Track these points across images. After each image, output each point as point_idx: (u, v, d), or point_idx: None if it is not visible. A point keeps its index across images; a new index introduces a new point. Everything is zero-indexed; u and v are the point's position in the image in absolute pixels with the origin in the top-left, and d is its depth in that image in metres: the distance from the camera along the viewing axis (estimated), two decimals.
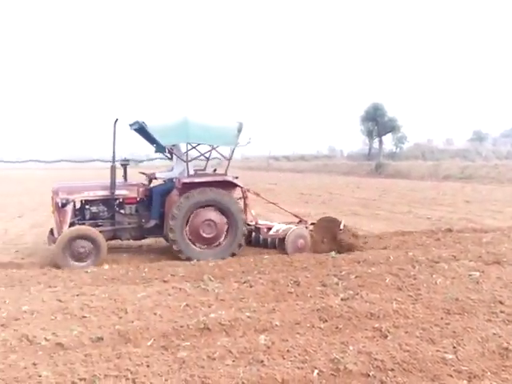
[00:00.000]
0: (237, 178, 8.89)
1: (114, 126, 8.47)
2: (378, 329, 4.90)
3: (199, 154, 9.41)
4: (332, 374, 3.97)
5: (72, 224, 8.42)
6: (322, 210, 15.38)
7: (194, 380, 3.83)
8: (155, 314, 5.37)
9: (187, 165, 8.68)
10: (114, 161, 8.66)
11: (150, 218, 8.75)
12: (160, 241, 9.65)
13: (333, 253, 8.32)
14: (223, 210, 8.57)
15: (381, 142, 57.28)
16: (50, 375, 3.94)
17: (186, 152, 8.73)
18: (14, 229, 11.81)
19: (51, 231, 8.75)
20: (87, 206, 8.79)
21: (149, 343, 4.66)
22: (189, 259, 8.17)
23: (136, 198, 8.90)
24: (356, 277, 6.74)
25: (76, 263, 7.90)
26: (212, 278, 6.85)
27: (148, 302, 5.78)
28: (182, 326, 4.95)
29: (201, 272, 7.24)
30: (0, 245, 9.46)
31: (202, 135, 8.74)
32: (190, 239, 8.43)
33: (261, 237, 9.29)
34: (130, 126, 8.94)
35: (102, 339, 4.68)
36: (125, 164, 9.11)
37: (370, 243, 9.40)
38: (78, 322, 5.16)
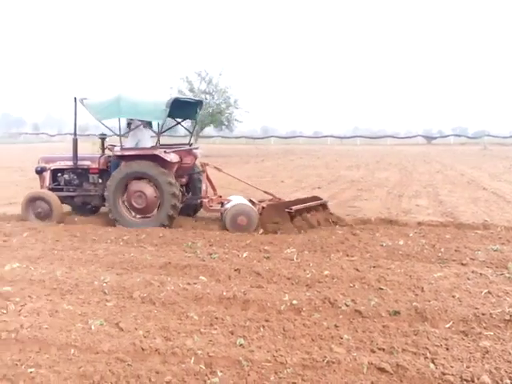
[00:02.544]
0: (165, 152, 8.85)
1: (75, 104, 9.36)
2: None
3: (131, 129, 9.67)
4: None
5: (50, 189, 9.74)
6: None
7: (500, 374, 3.54)
8: (453, 296, 5.14)
9: (120, 139, 9.23)
10: (75, 134, 9.80)
11: None
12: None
13: None
14: (154, 182, 8.80)
15: None
16: (351, 339, 4.16)
17: (119, 126, 9.13)
18: None
19: None
20: (59, 174, 9.96)
21: (447, 325, 4.48)
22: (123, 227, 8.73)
23: (98, 169, 9.71)
24: None
25: (37, 220, 9.22)
26: None
27: (445, 284, 5.57)
28: (483, 314, 4.61)
29: (504, 259, 6.62)
30: None
31: (132, 111, 9.13)
32: (126, 208, 8.97)
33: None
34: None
35: (399, 313, 4.70)
36: (102, 138, 10.02)
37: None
38: (374, 292, 5.30)
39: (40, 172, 10.04)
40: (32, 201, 9.37)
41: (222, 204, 9.36)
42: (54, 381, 3.54)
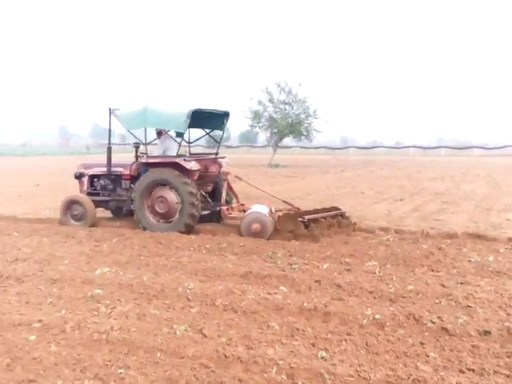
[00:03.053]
0: (185, 160, 9.32)
1: (109, 115, 9.92)
2: None
3: (155, 138, 10.55)
4: None
5: (87, 193, 10.45)
6: None
7: None
8: None
9: (146, 147, 9.94)
10: (109, 142, 10.45)
11: None
12: None
13: None
14: (175, 190, 9.22)
15: None
16: (438, 358, 4.01)
17: (145, 134, 9.74)
18: (397, 211, 12.41)
19: None
20: (96, 180, 10.62)
21: None
22: (145, 229, 9.34)
23: (129, 175, 10.21)
24: None
25: (74, 222, 9.95)
26: None
27: None
28: None
29: None
30: (385, 224, 10.09)
31: (156, 121, 9.74)
32: (149, 212, 9.44)
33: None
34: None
35: (490, 333, 4.47)
36: (136, 146, 10.35)
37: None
38: (462, 310, 5.08)
39: (79, 177, 10.79)
40: (69, 204, 10.09)
41: (245, 212, 9.52)
42: (142, 383, 3.67)
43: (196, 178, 9.50)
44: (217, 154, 10.73)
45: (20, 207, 12.64)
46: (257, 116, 35.48)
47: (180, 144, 9.84)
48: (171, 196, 9.32)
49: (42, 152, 56.65)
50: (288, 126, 35.05)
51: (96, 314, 5.02)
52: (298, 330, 4.60)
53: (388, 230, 9.48)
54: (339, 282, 5.98)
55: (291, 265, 6.81)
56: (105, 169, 10.51)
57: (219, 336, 4.45)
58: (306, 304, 5.21)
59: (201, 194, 9.65)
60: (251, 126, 37.25)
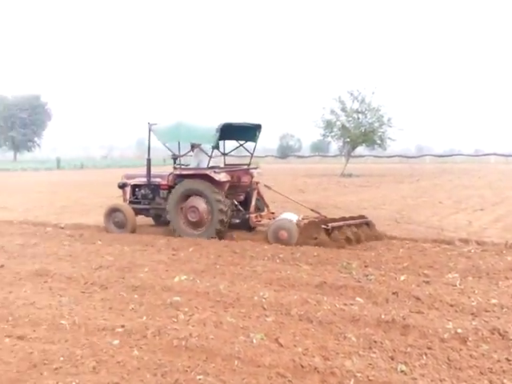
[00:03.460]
0: (215, 172, 9.71)
1: (148, 129, 10.60)
2: None
3: (188, 150, 10.83)
4: None
5: (130, 202, 11.11)
6: None
7: None
8: None
9: (179, 159, 10.71)
10: (149, 154, 10.92)
11: None
12: None
13: None
14: (205, 199, 9.65)
15: None
16: None
17: (179, 148, 10.64)
18: (477, 222, 11.90)
19: None
20: (137, 189, 11.20)
21: None
22: (180, 236, 9.81)
23: (167, 185, 10.61)
24: None
25: (116, 228, 10.62)
26: None
27: None
28: None
29: None
30: (465, 235, 9.72)
31: (188, 135, 10.39)
32: (183, 221, 9.94)
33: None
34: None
35: None
36: (174, 158, 10.72)
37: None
38: None
39: (122, 187, 11.52)
40: (111, 212, 10.82)
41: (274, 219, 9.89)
42: None
43: (226, 188, 9.98)
44: (249, 164, 11.15)
45: (101, 217, 13.22)
46: (329, 125, 35.24)
47: (210, 156, 10.29)
48: (202, 205, 9.80)
49: (121, 164, 59.00)
50: (361, 135, 34.57)
51: (175, 320, 5.16)
52: (375, 342, 4.52)
53: (469, 242, 9.13)
54: (418, 294, 5.82)
55: (367, 276, 6.70)
56: (145, 179, 11.12)
57: (295, 346, 4.45)
58: (383, 316, 5.11)
59: (232, 202, 10.15)
60: (323, 135, 37.09)
